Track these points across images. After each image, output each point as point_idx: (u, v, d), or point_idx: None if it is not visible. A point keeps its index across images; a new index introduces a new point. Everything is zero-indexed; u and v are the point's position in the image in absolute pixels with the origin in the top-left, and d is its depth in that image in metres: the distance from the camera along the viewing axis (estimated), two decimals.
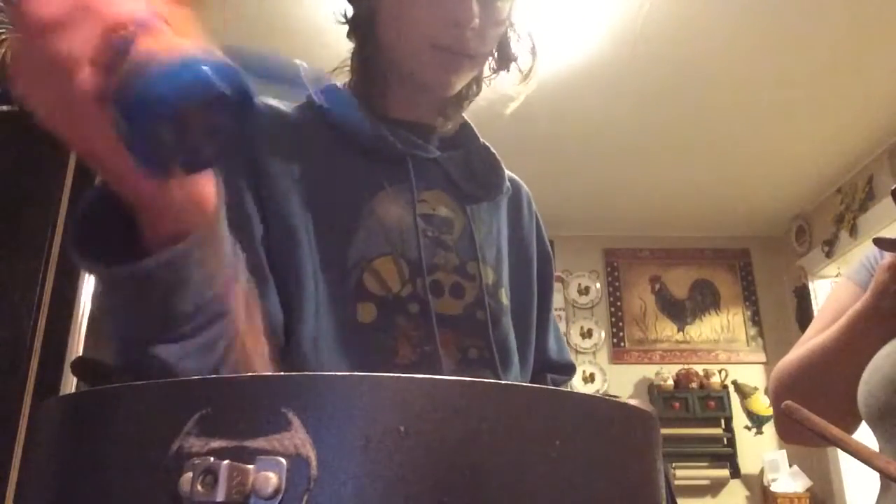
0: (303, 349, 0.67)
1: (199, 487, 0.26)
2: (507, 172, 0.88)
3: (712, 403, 4.25)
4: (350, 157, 0.77)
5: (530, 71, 0.84)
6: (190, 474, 0.27)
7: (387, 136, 0.77)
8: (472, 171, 0.83)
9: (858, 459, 0.59)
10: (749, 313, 4.52)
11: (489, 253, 0.81)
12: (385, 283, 0.72)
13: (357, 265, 0.72)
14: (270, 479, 0.27)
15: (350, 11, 0.83)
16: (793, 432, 0.97)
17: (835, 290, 1.03)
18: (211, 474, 0.26)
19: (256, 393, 0.29)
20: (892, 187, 0.66)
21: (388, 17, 0.76)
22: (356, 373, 0.29)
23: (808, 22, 2.69)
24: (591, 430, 0.32)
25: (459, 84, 0.78)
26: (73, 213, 1.72)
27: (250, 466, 0.27)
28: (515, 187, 0.90)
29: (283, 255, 0.69)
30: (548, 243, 0.93)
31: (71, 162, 1.80)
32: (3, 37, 2.00)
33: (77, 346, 1.66)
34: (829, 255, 3.98)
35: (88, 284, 1.71)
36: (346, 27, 0.84)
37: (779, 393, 0.95)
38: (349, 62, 0.84)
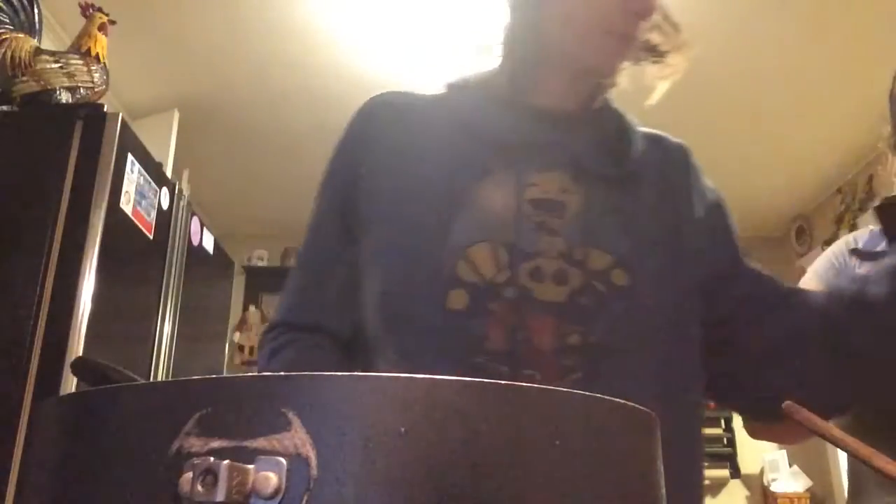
0: (391, 337, 0.71)
1: (199, 487, 0.26)
2: (661, 134, 0.85)
3: (712, 403, 4.24)
4: (465, 142, 0.78)
5: (673, 64, 0.84)
6: (190, 474, 0.27)
7: (504, 122, 0.78)
8: (601, 149, 0.80)
9: (858, 459, 0.59)
10: None
11: (606, 234, 0.76)
12: (478, 270, 0.72)
13: (453, 253, 0.72)
14: (270, 479, 0.27)
15: None
16: (760, 430, 0.94)
17: (801, 282, 0.99)
18: (211, 474, 0.26)
19: (256, 393, 0.29)
20: (874, 204, 0.64)
21: (564, 3, 0.75)
22: (356, 373, 0.29)
23: (808, 22, 2.69)
24: (591, 430, 0.32)
25: (620, 69, 0.78)
26: (73, 213, 1.73)
27: (250, 466, 0.27)
28: (666, 148, 0.85)
29: (381, 245, 0.75)
30: (714, 192, 0.87)
31: (71, 162, 1.80)
32: (4, 37, 2.00)
33: (77, 346, 1.66)
34: None
35: (88, 284, 1.71)
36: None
37: None
38: (502, 41, 0.82)
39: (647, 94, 0.84)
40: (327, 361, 0.75)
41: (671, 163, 0.84)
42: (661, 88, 0.84)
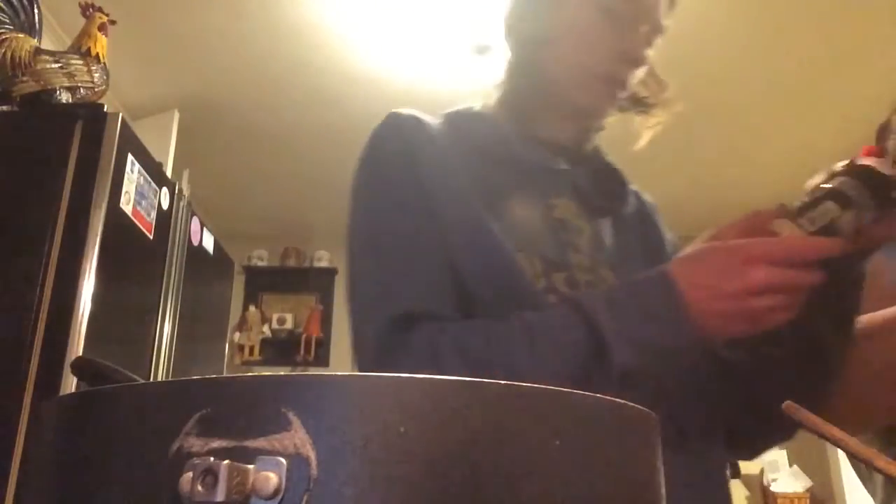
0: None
1: (199, 487, 0.26)
2: (637, 189, 0.93)
3: None
4: (484, 167, 0.80)
5: (657, 116, 0.90)
6: (190, 474, 0.27)
7: (519, 149, 0.82)
8: (598, 185, 0.87)
9: (858, 459, 0.59)
10: None
11: (618, 261, 0.83)
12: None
13: None
14: (270, 479, 0.26)
15: (515, 31, 0.86)
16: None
17: None
18: (211, 474, 0.26)
19: (256, 393, 0.29)
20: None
21: (563, 47, 0.81)
22: (356, 373, 0.29)
23: (808, 22, 2.69)
24: (591, 430, 0.32)
25: (609, 112, 0.85)
26: (73, 213, 1.73)
27: (250, 466, 0.27)
28: (641, 201, 0.94)
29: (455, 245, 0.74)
30: (676, 245, 0.94)
31: (71, 162, 1.80)
32: (4, 37, 2.00)
33: (77, 346, 1.66)
34: None
35: (88, 284, 1.71)
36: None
37: None
38: (505, 76, 0.88)
39: (633, 141, 0.92)
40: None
41: (649, 214, 0.93)
42: (647, 137, 0.91)
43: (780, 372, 0.75)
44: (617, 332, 0.61)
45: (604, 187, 0.88)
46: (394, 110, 0.83)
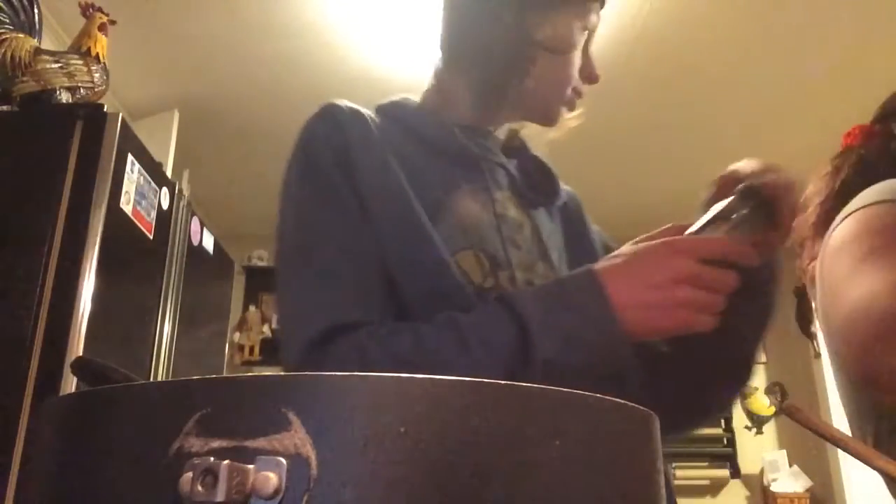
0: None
1: (199, 487, 0.26)
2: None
3: None
4: (426, 159, 0.80)
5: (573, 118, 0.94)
6: (190, 474, 0.27)
7: (462, 140, 0.83)
8: (530, 178, 0.89)
9: (858, 459, 0.59)
10: None
11: (553, 255, 0.85)
12: (468, 276, 0.74)
13: (442, 258, 0.73)
14: (270, 479, 0.26)
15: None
16: None
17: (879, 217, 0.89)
18: (211, 474, 0.26)
19: (256, 393, 0.29)
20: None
21: (542, 68, 0.83)
22: (356, 373, 0.29)
23: (808, 22, 2.69)
24: (591, 430, 0.32)
25: None
26: (73, 213, 1.73)
27: (250, 466, 0.27)
28: (569, 195, 0.96)
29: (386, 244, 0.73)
30: (602, 234, 0.97)
31: (71, 162, 1.80)
32: (4, 37, 2.00)
33: (77, 346, 1.66)
34: None
35: (88, 284, 1.71)
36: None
37: (868, 345, 0.81)
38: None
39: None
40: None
41: (576, 208, 0.96)
42: (570, 125, 0.93)
43: (697, 369, 0.78)
44: (541, 324, 0.61)
45: (535, 180, 0.90)
46: (330, 101, 0.81)
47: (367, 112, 0.82)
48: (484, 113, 0.87)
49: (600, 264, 0.65)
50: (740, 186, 0.70)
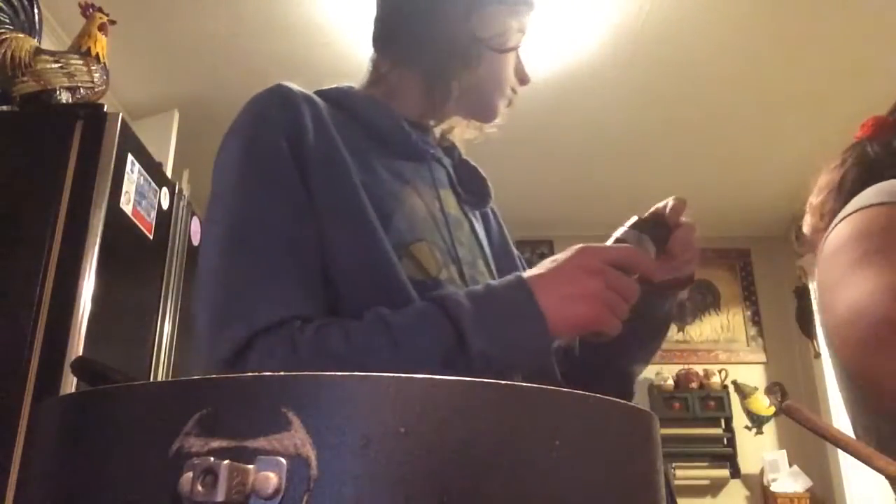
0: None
1: (199, 487, 0.26)
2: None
3: (712, 403, 4.25)
4: (377, 150, 0.81)
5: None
6: (190, 474, 0.27)
7: (412, 135, 0.84)
8: (463, 180, 0.92)
9: (858, 459, 0.59)
10: (749, 313, 4.52)
11: (491, 256, 0.89)
12: (423, 268, 0.75)
13: (398, 249, 0.73)
14: (270, 479, 0.26)
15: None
16: None
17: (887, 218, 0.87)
18: (211, 474, 0.26)
19: (256, 393, 0.29)
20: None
21: (485, 66, 0.86)
22: (356, 373, 0.29)
23: (809, 22, 2.69)
24: (591, 430, 0.32)
25: None
26: (73, 213, 1.73)
27: (250, 466, 0.27)
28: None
29: (329, 242, 0.72)
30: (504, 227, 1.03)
31: (71, 162, 1.80)
32: (4, 37, 2.00)
33: (77, 346, 1.66)
34: None
35: (88, 284, 1.71)
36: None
37: (867, 346, 0.81)
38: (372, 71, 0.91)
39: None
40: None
41: (496, 212, 1.01)
42: (482, 132, 0.98)
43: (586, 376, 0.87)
44: (473, 321, 0.64)
45: (468, 182, 0.93)
46: (282, 82, 0.79)
47: (318, 98, 0.80)
48: (429, 107, 0.88)
49: (529, 270, 0.70)
50: (633, 218, 0.80)
